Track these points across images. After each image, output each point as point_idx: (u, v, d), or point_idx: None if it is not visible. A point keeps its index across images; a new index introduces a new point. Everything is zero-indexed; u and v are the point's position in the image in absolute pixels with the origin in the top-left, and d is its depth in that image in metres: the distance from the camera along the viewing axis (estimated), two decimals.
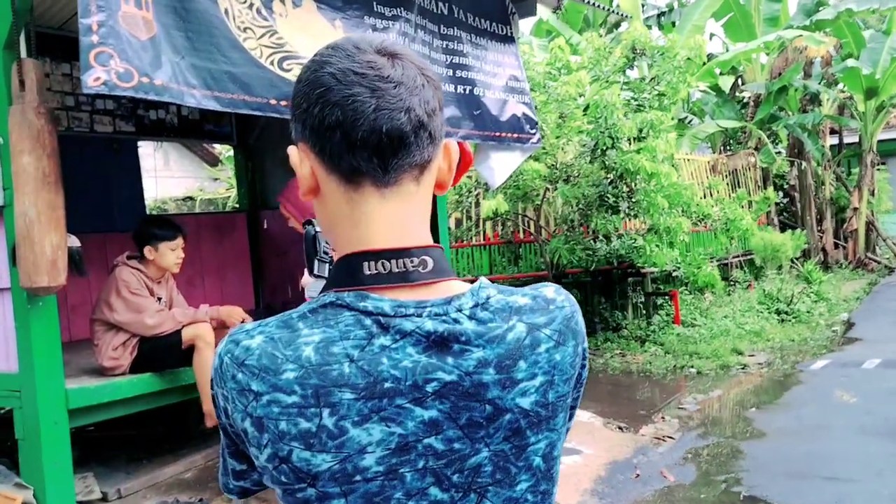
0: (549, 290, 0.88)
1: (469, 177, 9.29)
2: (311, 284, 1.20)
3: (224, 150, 19.56)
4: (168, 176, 18.75)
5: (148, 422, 5.02)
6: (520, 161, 5.28)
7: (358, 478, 0.75)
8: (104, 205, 6.02)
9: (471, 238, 11.07)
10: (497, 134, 4.92)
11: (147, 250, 3.86)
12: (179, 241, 3.93)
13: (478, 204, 11.19)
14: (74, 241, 3.58)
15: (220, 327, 3.94)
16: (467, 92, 4.71)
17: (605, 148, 7.47)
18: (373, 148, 0.78)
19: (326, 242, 1.22)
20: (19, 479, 3.47)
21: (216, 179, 19.76)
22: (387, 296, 0.79)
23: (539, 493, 0.83)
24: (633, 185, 7.80)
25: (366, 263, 0.79)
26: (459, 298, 0.80)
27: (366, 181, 0.80)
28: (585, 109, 8.75)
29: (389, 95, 0.78)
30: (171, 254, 3.88)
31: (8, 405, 3.53)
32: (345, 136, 0.78)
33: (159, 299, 3.92)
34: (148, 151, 16.10)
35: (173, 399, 4.07)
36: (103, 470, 4.60)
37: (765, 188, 13.68)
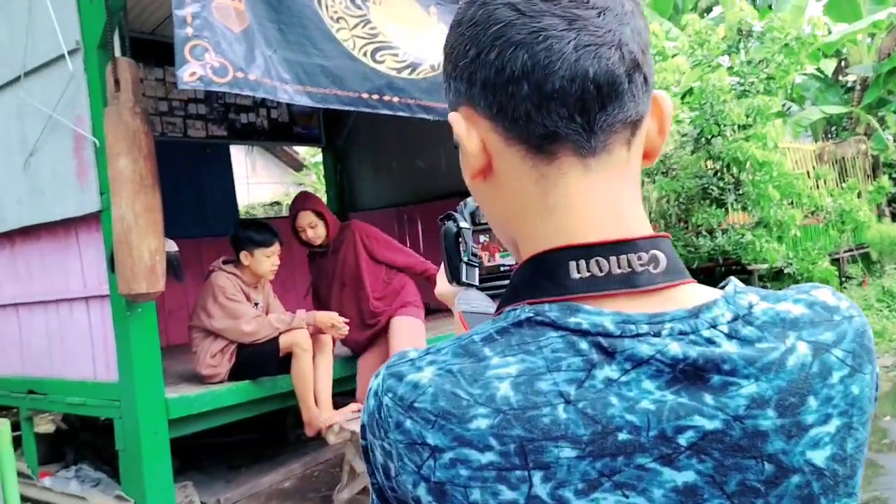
0: (825, 292, 0.61)
1: None
2: (460, 296, 0.91)
3: (308, 156, 19.87)
4: (255, 182, 19.13)
5: (244, 428, 4.94)
6: None
7: None
8: (198, 209, 6.01)
9: None
10: None
11: (243, 255, 3.73)
12: (276, 248, 3.78)
13: None
14: (172, 246, 3.48)
15: (317, 333, 3.78)
16: None
17: (710, 136, 7.01)
18: (575, 100, 0.55)
19: (474, 243, 0.96)
20: (120, 492, 3.40)
21: (301, 184, 20.08)
22: (606, 307, 0.55)
23: None
24: (740, 175, 7.30)
25: (573, 263, 0.56)
26: (711, 309, 0.56)
27: (564, 149, 0.57)
28: (683, 97, 8.31)
29: (593, 27, 0.56)
30: (266, 261, 3.74)
31: (108, 415, 3.46)
32: (536, 87, 0.55)
33: (256, 305, 3.79)
34: (236, 158, 16.40)
35: (272, 407, 3.94)
36: (202, 478, 4.53)
37: (874, 177, 12.75)
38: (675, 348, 0.53)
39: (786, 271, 8.40)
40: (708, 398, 0.53)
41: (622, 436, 0.52)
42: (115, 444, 3.40)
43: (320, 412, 3.73)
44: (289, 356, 3.68)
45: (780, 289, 0.62)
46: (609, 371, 0.53)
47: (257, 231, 3.77)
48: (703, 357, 0.53)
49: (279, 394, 3.84)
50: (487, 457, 0.51)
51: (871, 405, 0.59)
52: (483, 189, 0.63)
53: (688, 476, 0.52)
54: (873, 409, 0.60)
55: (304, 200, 4.16)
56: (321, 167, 18.91)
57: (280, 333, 3.63)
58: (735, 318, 0.56)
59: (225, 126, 6.29)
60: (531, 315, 0.55)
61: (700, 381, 0.53)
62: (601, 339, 0.53)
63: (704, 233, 8.25)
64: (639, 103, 0.58)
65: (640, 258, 0.56)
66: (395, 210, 6.64)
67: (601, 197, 0.58)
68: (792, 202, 7.87)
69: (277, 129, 6.70)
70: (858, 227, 8.86)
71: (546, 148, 0.57)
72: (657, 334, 0.54)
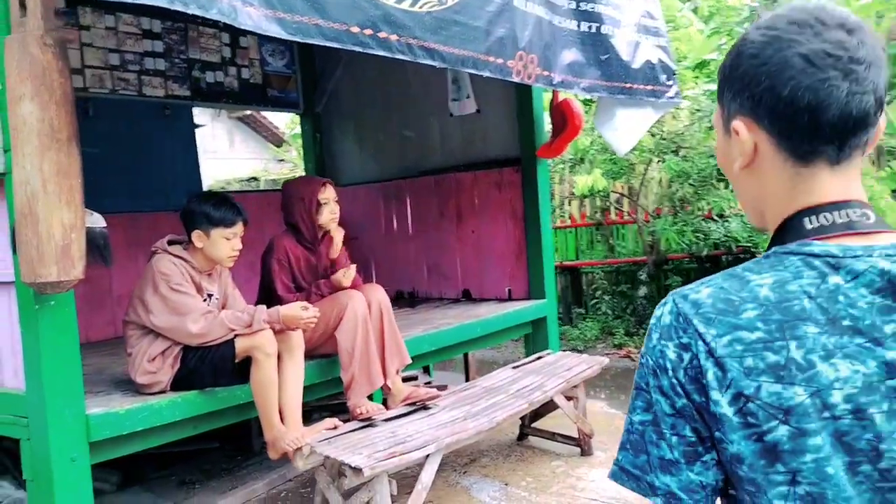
0: None
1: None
2: None
3: (288, 130, 19.00)
4: (232, 157, 18.41)
5: (202, 435, 4.22)
6: (652, 121, 4.26)
7: (826, 414, 0.74)
8: (154, 180, 5.24)
9: (553, 221, 9.99)
10: (627, 85, 3.90)
11: (196, 235, 3.00)
12: (238, 229, 3.04)
13: (560, 180, 10.13)
14: (98, 221, 2.74)
15: (284, 330, 3.06)
16: (593, 30, 3.70)
17: None
18: (838, 131, 0.79)
19: None
20: None
21: (281, 160, 19.25)
22: (832, 243, 0.80)
23: None
24: None
25: (806, 219, 0.82)
26: None
27: (819, 160, 0.81)
28: (695, 69, 7.63)
29: (861, 78, 0.78)
30: (225, 244, 3.00)
31: (14, 434, 2.72)
32: (812, 120, 0.78)
33: (209, 297, 3.05)
34: (213, 132, 15.67)
35: (227, 421, 3.22)
36: (145, 500, 3.82)
37: (878, 163, 12.19)
38: (882, 264, 0.77)
39: None
40: None
41: (846, 323, 0.76)
42: (23, 471, 2.67)
43: (287, 430, 3.02)
44: (248, 361, 2.96)
45: None
46: (836, 279, 0.78)
47: (216, 206, 3.02)
48: None
49: (236, 405, 3.12)
50: (756, 335, 0.77)
51: None
52: (743, 176, 0.87)
53: (892, 354, 0.75)
54: None
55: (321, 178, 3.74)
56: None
57: (236, 335, 2.90)
58: None
59: (188, 85, 5.50)
60: (775, 251, 0.82)
61: None
62: (829, 259, 0.78)
63: (715, 217, 7.60)
64: (875, 127, 0.81)
65: (855, 212, 0.81)
66: (380, 186, 5.90)
67: (837, 186, 0.82)
68: None
69: (249, 92, 5.91)
70: (881, 214, 8.25)
71: (806, 158, 0.82)
72: (870, 255, 0.78)
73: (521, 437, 4.37)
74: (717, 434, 0.77)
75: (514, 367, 4.27)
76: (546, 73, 3.48)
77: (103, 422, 2.69)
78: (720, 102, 0.87)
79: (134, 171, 5.12)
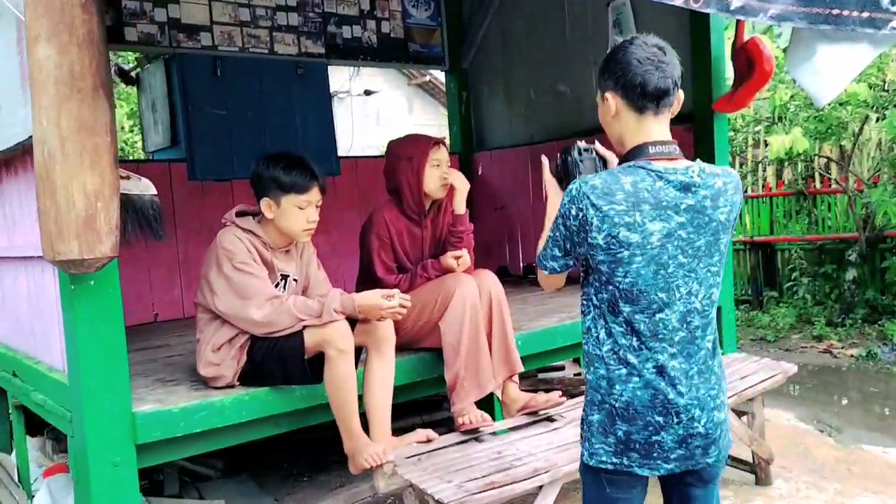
0: (730, 169, 1.71)
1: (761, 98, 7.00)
2: None
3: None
4: (410, 124, 18.43)
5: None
6: (869, 60, 3.22)
7: (648, 246, 1.58)
8: (286, 144, 4.89)
9: (745, 188, 8.71)
10: (834, 12, 2.93)
11: (265, 204, 2.53)
12: (313, 196, 2.53)
13: (756, 144, 8.83)
14: (147, 188, 2.36)
15: (368, 321, 2.54)
16: None
17: None
18: (655, 97, 1.61)
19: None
20: None
21: None
22: (660, 165, 1.60)
23: (718, 264, 1.67)
24: None
25: (650, 147, 1.62)
26: (693, 167, 1.61)
27: (648, 112, 1.63)
28: None
29: (663, 70, 1.61)
30: (298, 214, 2.51)
31: (63, 429, 2.43)
32: (642, 90, 1.61)
33: (284, 279, 2.58)
34: (392, 99, 15.73)
35: (312, 420, 2.76)
36: (247, 489, 3.51)
37: None
38: (681, 177, 1.59)
39: None
40: (690, 195, 1.59)
41: (663, 203, 1.58)
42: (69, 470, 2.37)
43: (369, 441, 2.51)
44: (321, 357, 2.46)
45: None
46: (660, 183, 1.59)
47: (287, 169, 2.52)
48: (690, 182, 1.59)
49: (319, 405, 2.66)
50: (621, 207, 1.57)
51: (739, 207, 1.69)
52: (612, 121, 1.69)
53: (681, 219, 1.60)
54: (739, 213, 1.70)
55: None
56: None
57: (305, 327, 2.41)
58: (702, 170, 1.62)
59: (322, 41, 5.12)
60: (633, 165, 1.61)
61: (688, 189, 1.59)
62: (658, 172, 1.59)
63: None
64: (673, 97, 1.64)
65: (669, 147, 1.63)
66: (529, 149, 5.22)
67: (658, 128, 1.64)
68: None
69: (389, 47, 5.44)
70: None
71: (641, 111, 1.63)
72: (675, 172, 1.59)
73: None
74: (589, 252, 1.63)
75: None
76: None
77: (153, 421, 2.31)
78: (599, 83, 1.71)
79: (263, 134, 4.84)
